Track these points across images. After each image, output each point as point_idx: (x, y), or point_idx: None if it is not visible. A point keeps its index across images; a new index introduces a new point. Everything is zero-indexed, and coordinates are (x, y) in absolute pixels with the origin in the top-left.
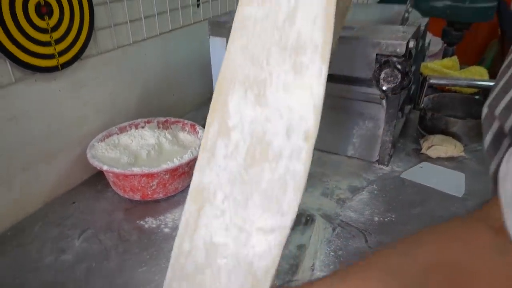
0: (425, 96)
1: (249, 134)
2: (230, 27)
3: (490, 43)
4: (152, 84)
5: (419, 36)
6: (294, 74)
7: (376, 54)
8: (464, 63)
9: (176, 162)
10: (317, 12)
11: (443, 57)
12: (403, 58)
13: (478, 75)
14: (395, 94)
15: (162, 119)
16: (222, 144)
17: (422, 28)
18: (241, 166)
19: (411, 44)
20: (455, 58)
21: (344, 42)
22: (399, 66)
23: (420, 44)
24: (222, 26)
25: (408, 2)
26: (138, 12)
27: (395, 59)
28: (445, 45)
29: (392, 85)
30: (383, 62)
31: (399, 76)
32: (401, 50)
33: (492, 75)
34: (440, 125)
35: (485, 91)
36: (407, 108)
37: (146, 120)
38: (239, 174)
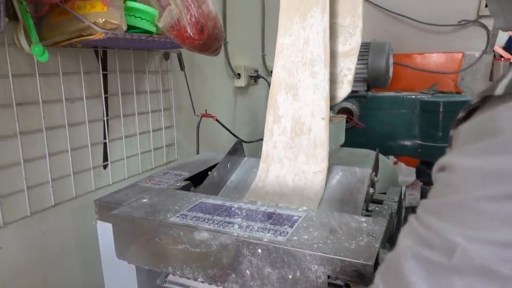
0: None
1: (291, 119)
2: (120, 211)
3: None
4: None
5: (392, 227)
6: (311, 79)
7: (328, 277)
8: None
9: None
10: (319, 39)
11: (421, 197)
12: None
13: None
14: None
15: None
16: (276, 127)
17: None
18: (289, 138)
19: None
20: None
21: (277, 251)
22: None
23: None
24: (111, 209)
25: (372, 168)
26: None
27: None
28: (421, 183)
29: None
30: None
31: None
32: (368, 272)
33: None
34: None
35: None
36: None
37: None
38: (288, 143)
